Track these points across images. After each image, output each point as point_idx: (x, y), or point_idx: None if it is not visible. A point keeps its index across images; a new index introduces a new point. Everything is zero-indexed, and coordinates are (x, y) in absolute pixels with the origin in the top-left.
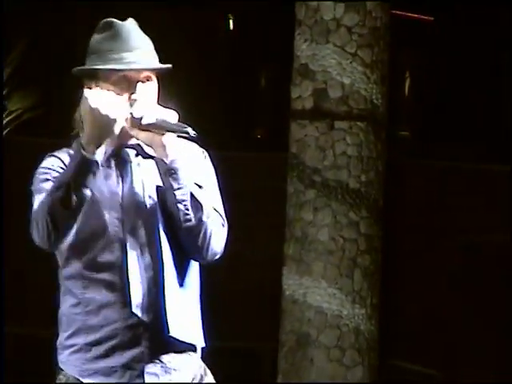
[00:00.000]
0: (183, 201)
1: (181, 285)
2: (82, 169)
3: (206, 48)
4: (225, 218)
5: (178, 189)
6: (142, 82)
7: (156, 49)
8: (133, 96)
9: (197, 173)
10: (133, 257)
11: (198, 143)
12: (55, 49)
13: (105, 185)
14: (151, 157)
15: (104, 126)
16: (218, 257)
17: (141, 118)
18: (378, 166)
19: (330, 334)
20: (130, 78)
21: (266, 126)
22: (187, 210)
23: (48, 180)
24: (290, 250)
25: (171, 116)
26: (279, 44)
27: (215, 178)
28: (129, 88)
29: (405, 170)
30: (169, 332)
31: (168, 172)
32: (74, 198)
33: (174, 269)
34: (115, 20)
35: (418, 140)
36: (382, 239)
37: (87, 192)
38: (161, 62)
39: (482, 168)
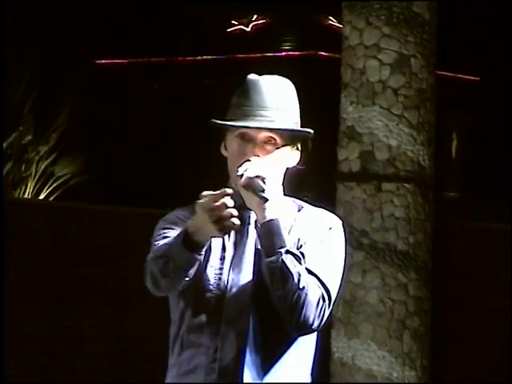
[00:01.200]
0: (273, 268)
1: (275, 356)
2: (182, 255)
3: None
4: (331, 291)
5: (269, 256)
6: (264, 142)
7: (300, 112)
8: (246, 154)
9: (309, 240)
10: (228, 321)
11: (334, 213)
12: (101, 113)
13: (217, 245)
14: None
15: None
16: (313, 329)
17: (241, 176)
18: (426, 228)
19: None
20: (248, 135)
21: (312, 187)
22: (275, 278)
23: (164, 233)
24: (338, 312)
25: (271, 178)
26: (326, 106)
27: (339, 250)
28: (247, 146)
29: (453, 232)
30: None
31: (261, 236)
32: (174, 270)
33: (266, 339)
34: (255, 75)
35: (466, 201)
36: (432, 301)
37: (190, 272)
38: (304, 126)
39: None
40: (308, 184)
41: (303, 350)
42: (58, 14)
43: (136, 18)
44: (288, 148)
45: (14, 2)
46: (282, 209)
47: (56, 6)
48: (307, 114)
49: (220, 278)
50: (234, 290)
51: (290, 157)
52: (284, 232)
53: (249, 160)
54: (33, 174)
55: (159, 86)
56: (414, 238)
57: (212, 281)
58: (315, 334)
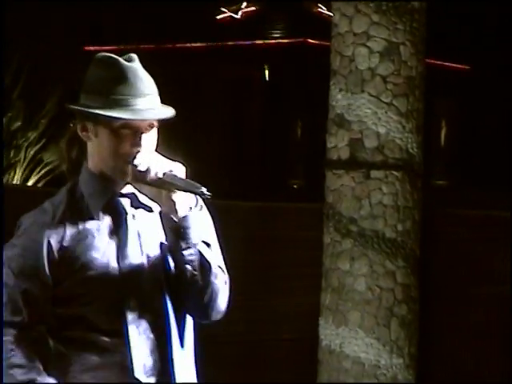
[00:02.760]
0: (191, 261)
1: (182, 345)
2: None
3: (241, 98)
4: (227, 274)
5: (187, 248)
6: (145, 129)
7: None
8: (136, 146)
9: (203, 227)
10: (132, 319)
11: (195, 192)
12: None
13: (97, 240)
14: (148, 207)
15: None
16: (220, 316)
17: (146, 172)
18: (414, 215)
19: None
20: (133, 126)
21: (301, 175)
22: (195, 270)
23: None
24: (326, 299)
25: (179, 170)
26: (315, 94)
27: (213, 228)
28: (132, 137)
29: (441, 219)
30: None
31: (176, 230)
32: None
33: (176, 329)
34: (117, 58)
35: (454, 189)
36: (419, 288)
37: None
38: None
39: None
40: (297, 171)
41: (190, 334)
42: (47, 0)
43: (125, 4)
44: (155, 130)
45: None
46: (182, 199)
47: None
48: (295, 102)
49: (107, 269)
50: (127, 281)
51: (156, 138)
52: (199, 224)
53: (138, 151)
54: (21, 160)
55: (150, 74)
56: (402, 226)
57: (99, 274)
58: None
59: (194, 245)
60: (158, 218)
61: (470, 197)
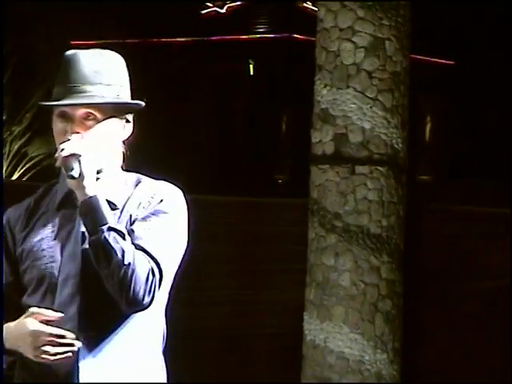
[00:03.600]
0: (95, 247)
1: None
2: None
3: (227, 93)
4: (161, 265)
5: (91, 234)
6: (83, 118)
7: (131, 85)
8: (64, 135)
9: (140, 215)
10: (60, 306)
11: (174, 183)
12: None
13: (48, 233)
14: (112, 204)
15: None
16: (144, 305)
17: (57, 159)
18: (399, 211)
19: (352, 379)
20: (67, 114)
21: (287, 170)
22: (99, 257)
23: None
24: (310, 294)
25: (89, 159)
26: (299, 89)
27: (172, 223)
28: (67, 125)
29: (426, 215)
30: None
31: (81, 213)
32: None
33: (97, 322)
34: (74, 50)
35: (439, 184)
36: (403, 284)
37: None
38: (133, 98)
39: (503, 212)
40: (282, 166)
41: (143, 328)
42: None
43: None
44: (114, 120)
45: None
46: (113, 184)
47: None
48: (280, 97)
49: (53, 262)
50: (63, 274)
51: (118, 129)
52: (105, 208)
53: (68, 139)
54: (6, 154)
55: (132, 67)
56: (387, 221)
57: (44, 266)
58: (160, 311)
59: (98, 231)
60: (120, 213)
61: (454, 192)
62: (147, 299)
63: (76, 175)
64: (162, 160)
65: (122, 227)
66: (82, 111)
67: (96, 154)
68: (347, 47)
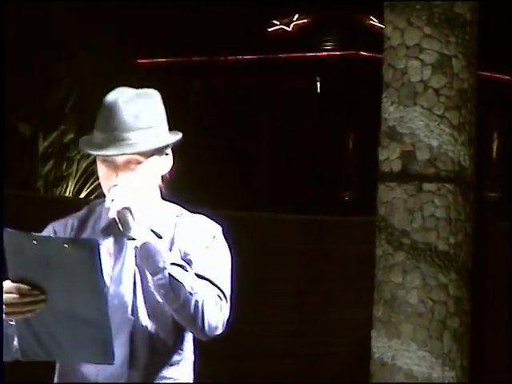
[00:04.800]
0: (161, 286)
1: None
2: None
3: (293, 110)
4: (226, 292)
5: (154, 274)
6: (127, 163)
7: (169, 124)
8: (109, 180)
9: (195, 247)
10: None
11: (217, 222)
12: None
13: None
14: (156, 233)
15: None
16: (219, 330)
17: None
18: (466, 228)
19: None
20: (108, 161)
21: (353, 188)
22: (167, 293)
23: None
24: (379, 312)
25: (136, 211)
26: (366, 106)
27: (225, 257)
28: (110, 171)
29: (493, 232)
30: None
31: (141, 257)
32: None
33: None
34: (113, 94)
35: (507, 201)
36: (471, 301)
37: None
38: (171, 129)
39: None
40: (348, 184)
41: (185, 359)
42: (98, 14)
43: (177, 16)
44: (155, 158)
45: (54, 2)
46: (155, 214)
47: (96, 6)
48: (347, 114)
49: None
50: (115, 301)
51: (160, 165)
52: (162, 247)
53: (115, 185)
54: (74, 172)
55: (200, 86)
56: (454, 239)
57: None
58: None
59: (162, 269)
60: (167, 245)
61: None
62: (220, 324)
63: (135, 236)
64: (228, 176)
65: (180, 260)
66: (125, 158)
67: (142, 196)
68: (414, 65)
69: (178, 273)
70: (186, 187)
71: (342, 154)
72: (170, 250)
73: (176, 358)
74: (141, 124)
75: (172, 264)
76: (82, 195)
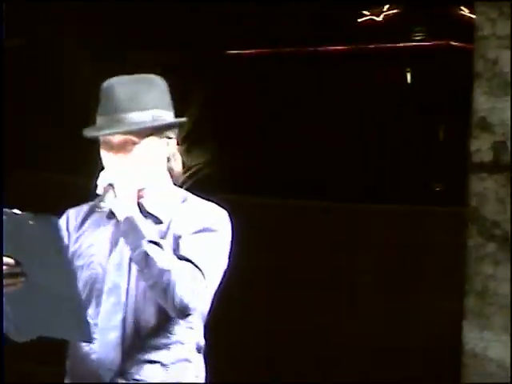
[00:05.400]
0: (138, 261)
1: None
2: None
3: (384, 102)
4: (206, 273)
5: (132, 249)
6: (123, 144)
7: (175, 103)
8: (104, 162)
9: (187, 231)
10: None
11: (221, 206)
12: (232, 104)
13: (98, 235)
14: (156, 217)
15: None
16: (191, 308)
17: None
18: None
19: None
20: (109, 142)
21: (444, 178)
22: (142, 269)
23: None
24: (470, 303)
25: (119, 186)
26: (457, 96)
27: (217, 241)
28: (109, 152)
29: None
30: None
31: (122, 233)
32: None
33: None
34: (111, 79)
35: None
36: None
37: None
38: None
39: None
40: (439, 174)
41: (178, 343)
42: (191, 5)
43: (266, 7)
44: (153, 140)
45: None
46: (158, 200)
47: None
48: (437, 105)
49: (100, 268)
50: (110, 283)
51: (159, 147)
52: (143, 225)
53: (104, 168)
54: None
55: (289, 77)
56: None
57: (91, 270)
58: (199, 322)
59: (139, 246)
60: (166, 229)
61: None
62: (193, 303)
63: (102, 207)
64: (319, 168)
65: (163, 240)
66: (119, 139)
67: (135, 176)
68: (505, 55)
69: (153, 250)
70: (272, 177)
71: (432, 144)
72: (166, 234)
73: (163, 341)
74: (136, 105)
75: (150, 242)
76: None
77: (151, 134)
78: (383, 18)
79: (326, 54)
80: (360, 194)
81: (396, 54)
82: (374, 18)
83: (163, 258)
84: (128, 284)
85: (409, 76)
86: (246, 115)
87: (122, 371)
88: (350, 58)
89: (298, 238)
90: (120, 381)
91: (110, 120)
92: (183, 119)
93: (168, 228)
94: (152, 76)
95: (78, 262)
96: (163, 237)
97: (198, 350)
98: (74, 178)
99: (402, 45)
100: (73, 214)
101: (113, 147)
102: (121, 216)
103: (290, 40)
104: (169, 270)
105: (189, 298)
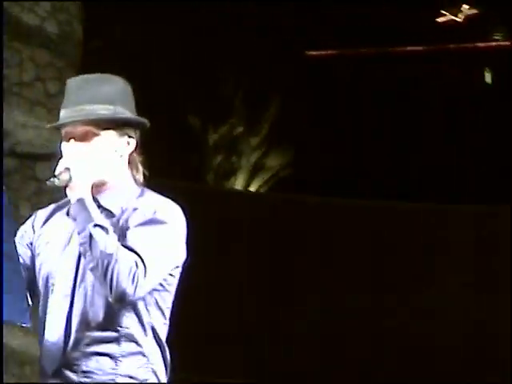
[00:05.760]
0: (83, 243)
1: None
2: None
3: (463, 102)
4: (146, 262)
5: (79, 232)
6: (84, 135)
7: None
8: (63, 150)
9: (134, 223)
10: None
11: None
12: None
13: (56, 232)
14: (108, 211)
15: None
16: (128, 296)
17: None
18: None
19: None
20: (68, 132)
21: None
22: (86, 251)
23: None
24: None
25: (79, 168)
26: None
27: (165, 231)
28: (70, 141)
29: None
30: None
31: (73, 215)
32: None
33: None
34: (77, 77)
35: None
36: None
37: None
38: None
39: None
40: None
41: (128, 336)
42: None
43: (346, 8)
44: (113, 134)
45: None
46: (115, 194)
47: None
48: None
49: (54, 263)
50: (59, 276)
51: (119, 143)
52: (93, 210)
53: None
54: (243, 165)
55: (369, 78)
56: None
57: (48, 271)
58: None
59: (85, 228)
60: (117, 221)
61: None
62: (130, 290)
63: (52, 181)
64: (390, 166)
65: (105, 224)
66: (81, 129)
67: (92, 165)
68: None
69: (98, 233)
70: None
71: None
72: (116, 226)
73: (112, 334)
74: (98, 99)
75: (96, 225)
76: (252, 188)
77: (112, 129)
78: (463, 18)
79: (405, 54)
80: (438, 194)
81: (476, 55)
82: (454, 17)
83: (107, 242)
84: (75, 276)
85: (489, 76)
86: (326, 116)
87: (68, 363)
88: (428, 58)
89: (394, 240)
90: (67, 372)
91: (72, 111)
92: (143, 119)
93: (118, 220)
94: (116, 77)
95: (37, 259)
96: (114, 230)
97: (157, 343)
98: None
99: (482, 45)
100: (40, 213)
101: (74, 137)
102: (73, 198)
103: (368, 41)
104: (110, 254)
105: (126, 284)
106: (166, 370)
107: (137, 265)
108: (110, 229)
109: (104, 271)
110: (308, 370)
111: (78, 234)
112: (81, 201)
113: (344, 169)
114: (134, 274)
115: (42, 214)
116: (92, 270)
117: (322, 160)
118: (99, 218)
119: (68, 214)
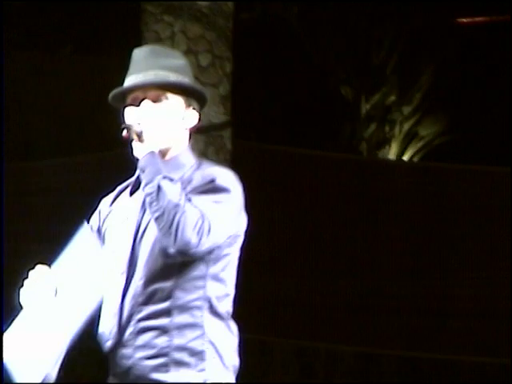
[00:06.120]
0: (150, 194)
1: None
2: None
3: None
4: (210, 219)
5: (146, 184)
6: (155, 99)
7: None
8: (129, 113)
9: (194, 188)
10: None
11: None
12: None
13: (121, 213)
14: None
15: None
16: (191, 247)
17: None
18: None
19: None
20: (136, 98)
21: None
22: (152, 201)
23: None
24: None
25: (151, 124)
26: None
27: (226, 198)
28: (139, 104)
29: None
30: None
31: (140, 169)
32: None
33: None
34: (143, 47)
35: None
36: None
37: None
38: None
39: None
40: None
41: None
42: None
43: None
44: (182, 102)
45: None
46: (174, 162)
47: None
48: None
49: (121, 245)
50: (135, 258)
51: (184, 114)
52: (160, 163)
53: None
54: (396, 134)
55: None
56: None
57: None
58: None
59: (153, 179)
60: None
61: None
62: (194, 240)
63: (125, 131)
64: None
65: (172, 177)
66: (153, 92)
67: (162, 122)
68: None
69: (166, 184)
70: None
71: None
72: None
73: (163, 305)
74: (168, 67)
75: (165, 177)
76: (405, 157)
77: (181, 97)
78: None
79: None
80: None
81: None
82: None
83: (175, 192)
84: (132, 250)
85: None
86: (478, 83)
87: (122, 340)
88: None
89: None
90: (121, 349)
91: (145, 75)
92: (206, 95)
93: (180, 188)
94: (178, 52)
95: (105, 240)
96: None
97: (215, 314)
98: None
99: None
100: (104, 200)
101: (146, 98)
102: (143, 151)
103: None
104: (178, 204)
105: (191, 235)
106: (228, 340)
107: (203, 219)
108: (178, 182)
109: (171, 220)
110: None
111: (146, 185)
112: (152, 153)
113: (500, 137)
114: (201, 227)
115: (106, 199)
116: (157, 219)
117: (477, 128)
118: (165, 170)
119: (131, 193)
